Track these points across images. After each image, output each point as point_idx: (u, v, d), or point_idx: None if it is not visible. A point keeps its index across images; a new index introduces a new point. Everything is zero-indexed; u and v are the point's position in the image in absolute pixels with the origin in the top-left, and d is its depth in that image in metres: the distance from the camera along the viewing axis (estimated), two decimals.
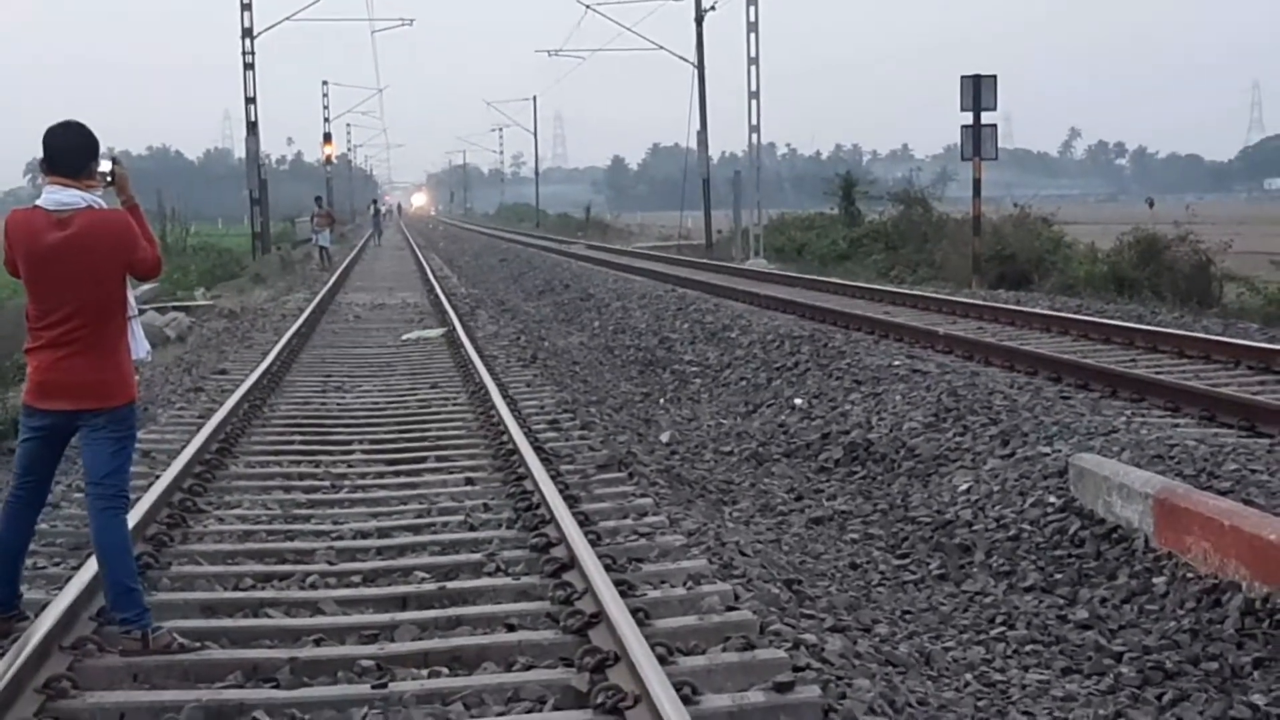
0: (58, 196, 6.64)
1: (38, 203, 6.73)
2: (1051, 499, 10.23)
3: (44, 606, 6.90)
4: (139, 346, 7.00)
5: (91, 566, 7.09)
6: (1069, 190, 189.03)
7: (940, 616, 8.80)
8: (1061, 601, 8.83)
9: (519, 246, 62.23)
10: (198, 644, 6.78)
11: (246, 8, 47.81)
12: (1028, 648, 8.12)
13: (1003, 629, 8.45)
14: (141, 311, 7.30)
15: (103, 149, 6.90)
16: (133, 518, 7.59)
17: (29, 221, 6.68)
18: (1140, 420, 12.54)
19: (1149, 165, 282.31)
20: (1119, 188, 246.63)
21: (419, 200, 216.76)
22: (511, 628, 7.16)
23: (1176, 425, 12.35)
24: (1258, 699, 7.02)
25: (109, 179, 6.89)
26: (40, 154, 6.78)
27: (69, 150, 6.72)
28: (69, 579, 7.39)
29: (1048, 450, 11.39)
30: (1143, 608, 8.43)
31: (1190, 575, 8.44)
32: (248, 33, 48.14)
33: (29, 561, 7.50)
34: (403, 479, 11.12)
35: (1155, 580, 8.62)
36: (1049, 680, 7.57)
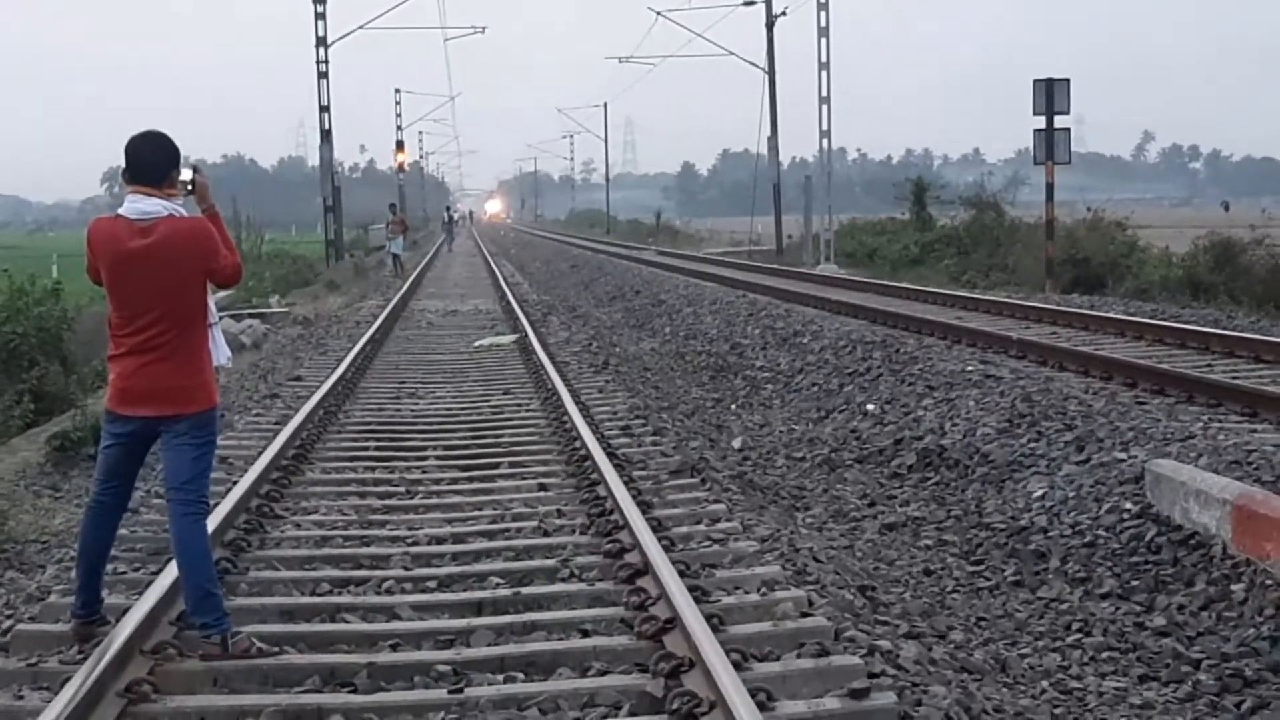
0: (140, 205, 6.71)
1: (120, 211, 6.79)
2: (1127, 505, 10.16)
3: (125, 611, 6.96)
4: (219, 353, 7.07)
5: (171, 572, 7.14)
6: (1142, 194, 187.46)
7: (1016, 623, 8.77)
8: (1138, 608, 8.78)
9: (589, 253, 62.34)
10: (276, 649, 6.83)
11: (320, 17, 48.15)
12: (1104, 655, 8.08)
13: (1079, 636, 8.41)
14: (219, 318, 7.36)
15: (181, 158, 6.97)
16: (211, 523, 7.67)
17: (111, 230, 6.76)
18: (1217, 426, 12.41)
19: (1223, 168, 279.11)
20: (1193, 191, 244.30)
21: (493, 207, 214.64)
22: (586, 633, 7.18)
23: (1254, 431, 12.22)
24: None
25: (190, 187, 6.95)
26: (121, 163, 6.85)
27: (150, 160, 6.79)
28: (149, 584, 7.46)
29: (1123, 456, 11.31)
30: (1221, 614, 8.37)
31: (1269, 582, 8.37)
32: (321, 41, 48.49)
33: (109, 567, 7.56)
34: (477, 485, 11.17)
35: (1234, 587, 8.55)
36: (1126, 687, 7.53)
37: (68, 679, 6.09)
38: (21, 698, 6.32)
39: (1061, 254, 33.61)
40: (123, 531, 8.04)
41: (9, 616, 7.82)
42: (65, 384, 18.57)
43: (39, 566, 9.62)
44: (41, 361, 18.95)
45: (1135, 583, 9.12)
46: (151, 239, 6.64)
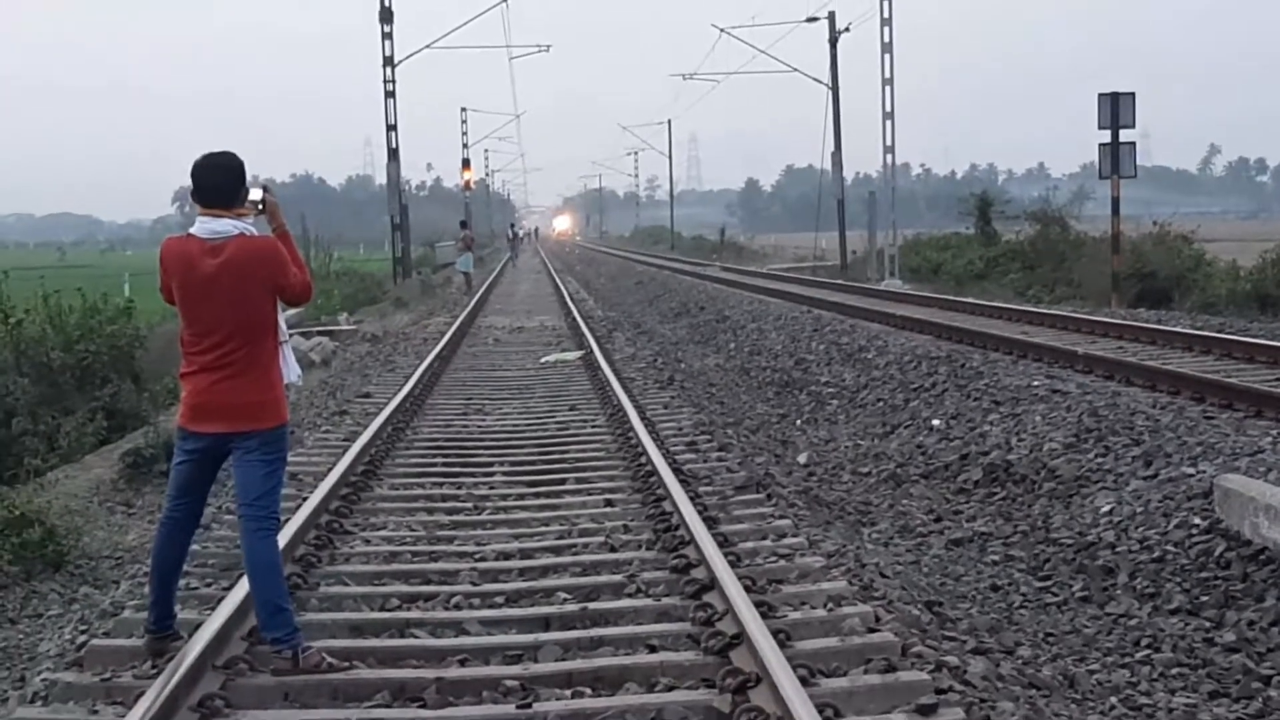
0: (210, 225, 6.79)
1: (191, 230, 6.88)
2: (1196, 520, 10.09)
3: (197, 626, 7.04)
4: (290, 370, 7.13)
5: (243, 587, 7.22)
6: (1209, 208, 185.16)
7: (1084, 639, 8.73)
8: (1208, 624, 8.72)
9: (654, 269, 62.37)
10: (346, 664, 6.89)
11: (387, 36, 48.39)
12: (1174, 671, 8.04)
13: (1148, 652, 8.37)
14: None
15: (250, 177, 7.04)
16: (282, 539, 7.74)
17: (183, 249, 6.84)
18: None
19: None
20: (1260, 204, 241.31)
21: (561, 224, 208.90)
22: (653, 649, 7.18)
23: None
24: None
25: (260, 207, 7.03)
26: (190, 184, 6.93)
27: (215, 182, 6.84)
28: (221, 599, 7.53)
29: (1192, 471, 11.23)
30: None
31: None
32: (389, 61, 48.74)
33: (181, 582, 7.65)
34: (543, 500, 11.21)
35: None
36: (1196, 704, 7.48)
37: (141, 694, 6.17)
38: (96, 712, 6.41)
39: (1127, 268, 33.42)
40: (195, 547, 8.11)
41: (84, 632, 7.94)
42: (137, 401, 18.80)
43: (113, 582, 9.75)
44: (114, 379, 19.22)
45: (1204, 598, 9.06)
46: (222, 258, 6.71)
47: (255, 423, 6.83)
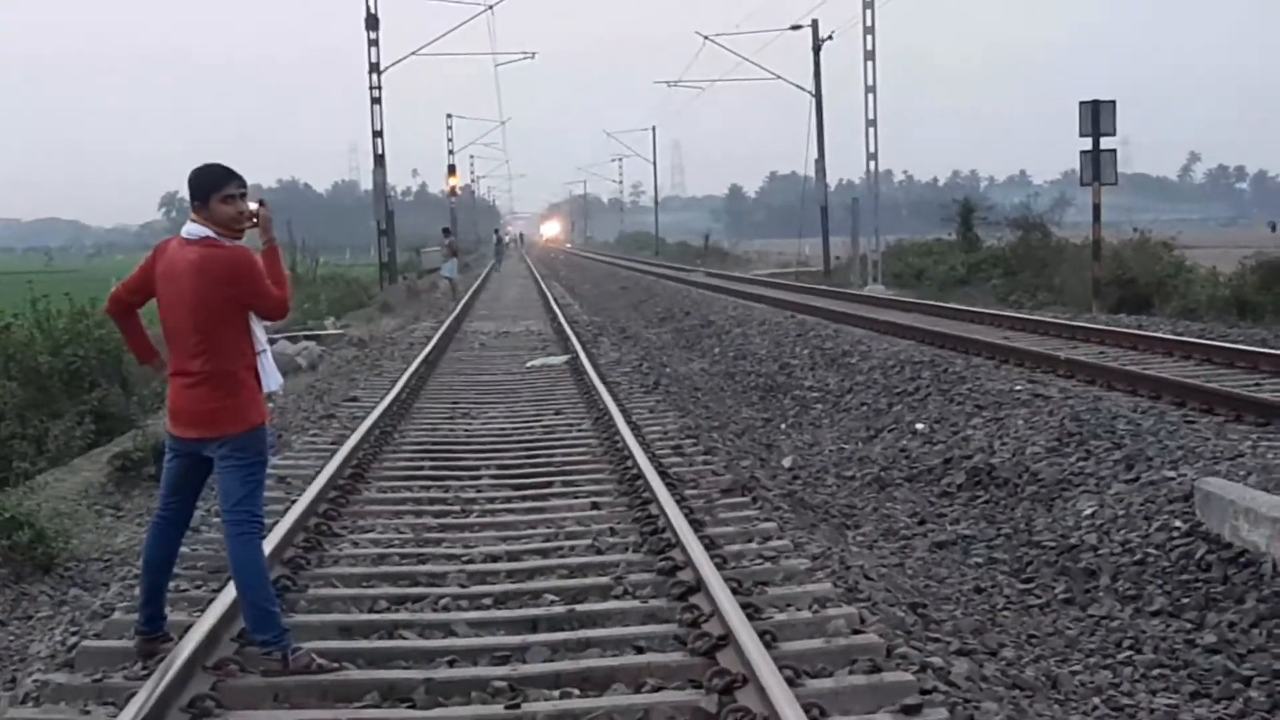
0: (190, 227, 6.92)
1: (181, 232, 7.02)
2: (1177, 523, 10.17)
3: (187, 628, 7.09)
4: (270, 379, 7.12)
5: (232, 589, 7.25)
6: (1189, 215, 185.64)
7: (1066, 640, 8.80)
8: (1189, 626, 8.79)
9: (639, 274, 62.41)
10: (336, 664, 6.94)
11: (374, 43, 48.44)
12: (1155, 672, 8.11)
13: (1130, 653, 8.44)
14: (273, 341, 7.47)
15: (246, 186, 7.11)
16: (270, 542, 7.79)
17: (169, 244, 7.03)
18: (1266, 444, 12.41)
19: (1270, 189, 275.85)
20: (1239, 211, 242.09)
21: (550, 230, 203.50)
22: (640, 650, 7.24)
23: None
24: None
25: (253, 220, 7.09)
26: (172, 189, 7.06)
27: (190, 187, 7.00)
28: (211, 601, 7.58)
29: (1172, 475, 11.32)
30: (1271, 632, 8.38)
31: None
32: (375, 67, 48.78)
33: (171, 584, 7.67)
34: (530, 504, 11.25)
35: None
36: (1177, 704, 7.56)
37: (132, 694, 6.23)
38: (88, 713, 6.45)
39: (1108, 274, 33.52)
40: (184, 550, 8.17)
41: (74, 633, 7.98)
42: (126, 405, 18.77)
43: (102, 584, 9.78)
44: (102, 383, 19.18)
45: (1185, 600, 9.14)
46: (189, 257, 6.83)
47: (223, 428, 6.86)
